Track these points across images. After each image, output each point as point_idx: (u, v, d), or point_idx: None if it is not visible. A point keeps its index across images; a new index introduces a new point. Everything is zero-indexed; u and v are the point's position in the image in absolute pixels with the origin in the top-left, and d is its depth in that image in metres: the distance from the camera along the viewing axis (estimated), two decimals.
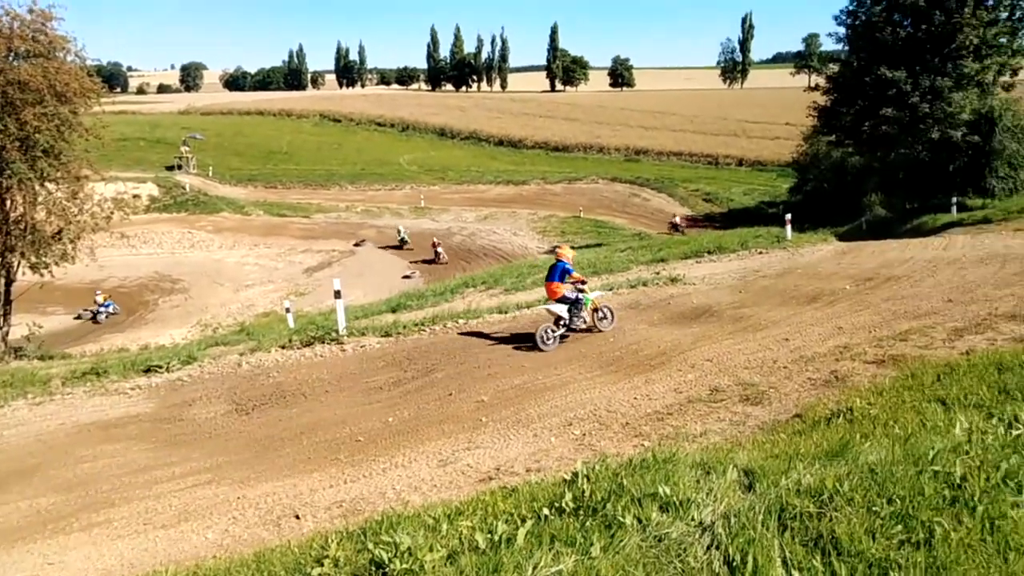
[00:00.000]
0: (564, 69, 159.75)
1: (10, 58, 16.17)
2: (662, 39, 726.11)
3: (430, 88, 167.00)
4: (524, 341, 11.03)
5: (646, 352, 10.11)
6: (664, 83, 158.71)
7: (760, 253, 18.54)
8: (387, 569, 3.21)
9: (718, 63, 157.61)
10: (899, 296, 12.01)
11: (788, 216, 21.05)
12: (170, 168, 59.49)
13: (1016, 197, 26.92)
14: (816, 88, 37.37)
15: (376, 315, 14.60)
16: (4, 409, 9.60)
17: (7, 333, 17.33)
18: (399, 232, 38.85)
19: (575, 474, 4.15)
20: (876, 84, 31.25)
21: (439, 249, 34.99)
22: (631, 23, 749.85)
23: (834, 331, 10.18)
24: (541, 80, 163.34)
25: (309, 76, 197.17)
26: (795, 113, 51.87)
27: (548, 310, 11.28)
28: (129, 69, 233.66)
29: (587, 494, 3.84)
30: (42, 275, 17.30)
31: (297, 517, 6.23)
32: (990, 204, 26.11)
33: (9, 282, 17.19)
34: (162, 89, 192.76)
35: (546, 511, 3.77)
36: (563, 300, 11.17)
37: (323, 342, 11.86)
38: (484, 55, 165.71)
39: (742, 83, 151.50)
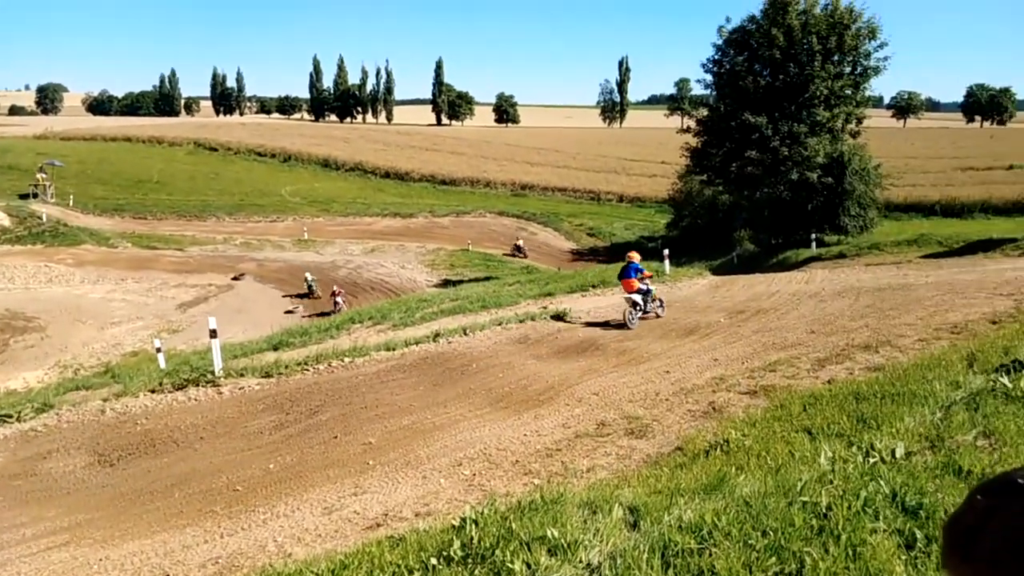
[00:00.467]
0: (450, 104, 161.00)
1: None
2: (544, 77, 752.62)
3: (313, 118, 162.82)
4: (411, 378, 10.85)
5: (535, 387, 10.20)
6: (547, 120, 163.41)
7: None
8: None
9: (598, 103, 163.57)
10: (768, 328, 12.83)
11: (666, 252, 22.11)
12: (24, 196, 54.95)
13: (866, 234, 29.88)
14: (688, 130, 39.98)
15: (256, 353, 13.91)
16: None
17: None
18: (307, 279, 33.89)
19: (464, 520, 4.11)
20: (741, 128, 33.85)
21: (339, 299, 30.03)
22: (514, 61, 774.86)
23: (711, 363, 10.69)
24: (427, 113, 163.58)
25: (183, 102, 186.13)
26: (670, 152, 54.99)
27: (628, 298, 14.31)
28: None
29: (476, 540, 3.81)
30: None
31: None
32: (844, 240, 28.81)
33: None
34: (14, 111, 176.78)
35: (434, 561, 3.71)
36: (638, 291, 14.25)
37: (197, 384, 11.09)
38: (369, 86, 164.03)
39: (620, 122, 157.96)
